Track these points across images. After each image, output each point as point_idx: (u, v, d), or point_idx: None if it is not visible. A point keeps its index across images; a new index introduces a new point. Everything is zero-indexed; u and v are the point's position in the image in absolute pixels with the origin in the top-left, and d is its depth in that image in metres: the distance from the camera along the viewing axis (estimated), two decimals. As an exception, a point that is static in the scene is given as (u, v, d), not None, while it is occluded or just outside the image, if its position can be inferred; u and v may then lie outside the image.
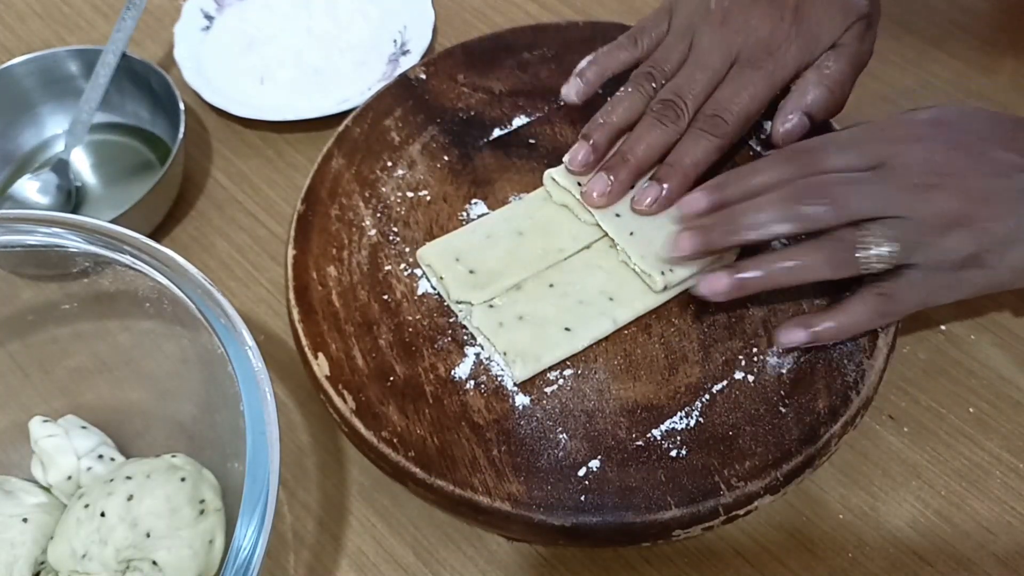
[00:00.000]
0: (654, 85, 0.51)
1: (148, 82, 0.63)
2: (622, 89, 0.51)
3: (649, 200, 0.48)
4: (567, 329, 0.46)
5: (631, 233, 0.49)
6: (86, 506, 0.45)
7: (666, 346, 0.47)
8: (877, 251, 0.42)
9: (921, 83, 0.65)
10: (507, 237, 0.50)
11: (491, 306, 0.47)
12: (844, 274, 0.43)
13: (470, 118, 0.56)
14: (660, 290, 0.47)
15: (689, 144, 0.49)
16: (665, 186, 0.48)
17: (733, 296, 0.44)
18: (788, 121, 0.50)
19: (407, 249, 0.51)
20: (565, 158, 0.50)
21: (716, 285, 0.44)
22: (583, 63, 0.53)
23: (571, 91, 0.52)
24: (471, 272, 0.48)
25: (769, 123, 0.55)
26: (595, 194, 0.49)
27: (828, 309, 0.45)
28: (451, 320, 0.48)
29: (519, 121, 0.56)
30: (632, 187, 0.50)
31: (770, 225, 0.43)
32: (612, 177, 0.49)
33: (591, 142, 0.49)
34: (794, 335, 0.45)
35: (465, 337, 0.47)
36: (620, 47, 0.53)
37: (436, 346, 0.47)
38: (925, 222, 0.42)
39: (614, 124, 0.50)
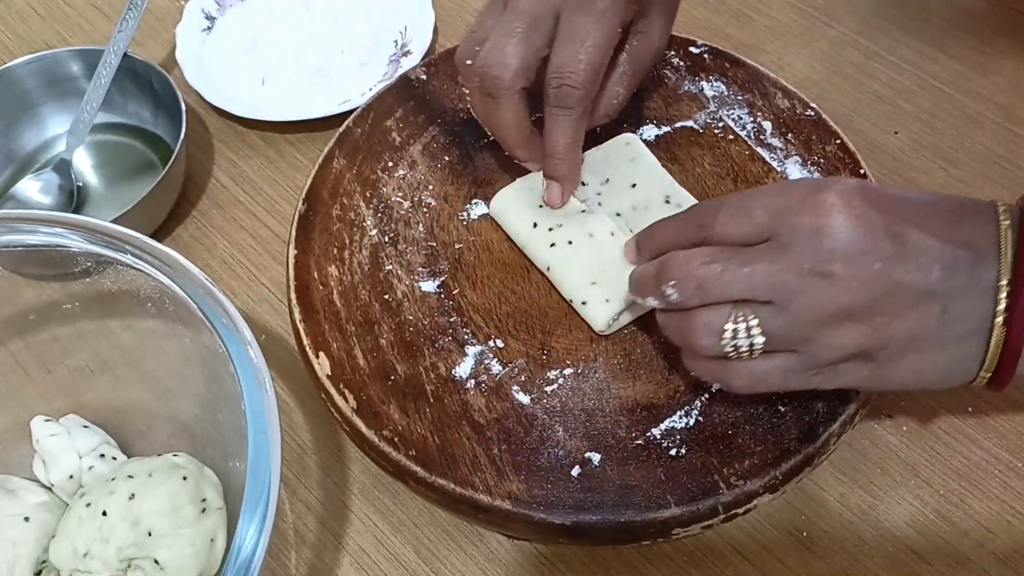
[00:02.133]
0: (470, 63, 0.47)
1: (150, 82, 0.63)
2: (461, 84, 0.51)
3: (556, 197, 0.49)
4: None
5: (631, 231, 0.49)
6: (88, 505, 0.45)
7: (666, 345, 0.47)
8: (744, 340, 0.38)
9: (920, 84, 0.66)
10: None
11: None
12: (706, 353, 0.40)
13: (471, 118, 0.56)
14: None
15: (554, 128, 0.48)
16: (558, 180, 0.49)
17: None
18: (616, 97, 0.51)
19: (408, 249, 0.51)
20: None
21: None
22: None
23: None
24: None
25: (769, 124, 0.55)
26: (556, 202, 0.50)
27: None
28: (451, 320, 0.48)
29: (519, 121, 0.56)
30: (537, 143, 0.50)
31: (647, 299, 0.42)
32: (528, 163, 0.51)
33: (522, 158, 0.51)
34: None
35: (465, 336, 0.48)
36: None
37: (437, 345, 0.47)
38: (805, 315, 0.37)
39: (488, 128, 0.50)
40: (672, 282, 0.39)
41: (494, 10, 0.47)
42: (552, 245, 0.49)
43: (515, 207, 0.51)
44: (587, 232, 0.49)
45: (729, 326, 0.38)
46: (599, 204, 0.51)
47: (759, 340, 0.38)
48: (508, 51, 0.45)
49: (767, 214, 0.38)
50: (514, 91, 0.46)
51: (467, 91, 0.50)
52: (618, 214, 0.50)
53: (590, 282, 0.47)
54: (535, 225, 0.50)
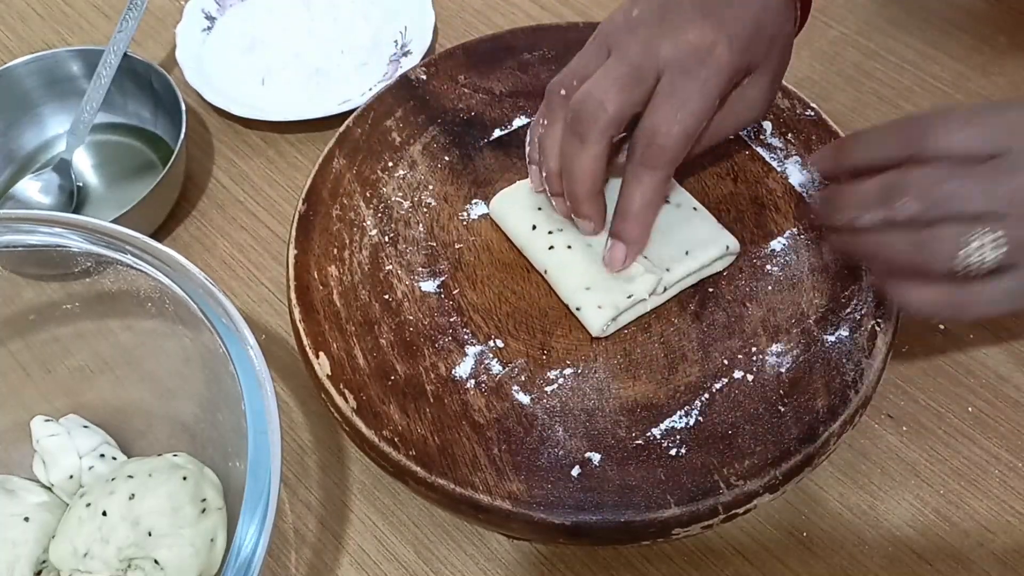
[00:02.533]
0: (564, 94, 0.46)
1: (150, 82, 0.63)
2: (540, 114, 0.48)
3: (619, 259, 0.47)
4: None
5: None
6: (88, 505, 0.45)
7: (665, 345, 0.47)
8: (980, 256, 0.38)
9: (920, 84, 0.66)
10: None
11: None
12: (939, 269, 0.39)
13: (471, 118, 0.57)
14: (661, 292, 0.47)
15: (634, 186, 0.45)
16: (623, 241, 0.47)
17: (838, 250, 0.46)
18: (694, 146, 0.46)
19: (408, 249, 0.51)
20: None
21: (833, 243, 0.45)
22: (528, 147, 0.50)
23: (535, 182, 0.50)
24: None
25: (769, 124, 0.55)
26: (617, 265, 0.47)
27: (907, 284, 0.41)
28: (451, 320, 0.48)
29: (519, 122, 0.56)
30: (604, 205, 0.48)
31: (863, 217, 0.41)
32: (588, 220, 0.48)
33: (543, 183, 0.48)
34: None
35: (465, 336, 0.48)
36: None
37: (437, 345, 0.47)
38: None
39: (550, 167, 0.47)
40: (915, 200, 0.39)
41: (596, 53, 0.46)
42: (551, 248, 0.49)
43: (515, 208, 0.51)
44: (586, 240, 0.49)
45: (975, 237, 0.38)
46: None
47: (1002, 251, 0.38)
48: (610, 94, 0.44)
49: (1001, 130, 0.39)
50: (605, 135, 0.44)
51: (545, 124, 0.47)
52: None
53: (584, 287, 0.47)
54: (534, 227, 0.50)
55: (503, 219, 0.51)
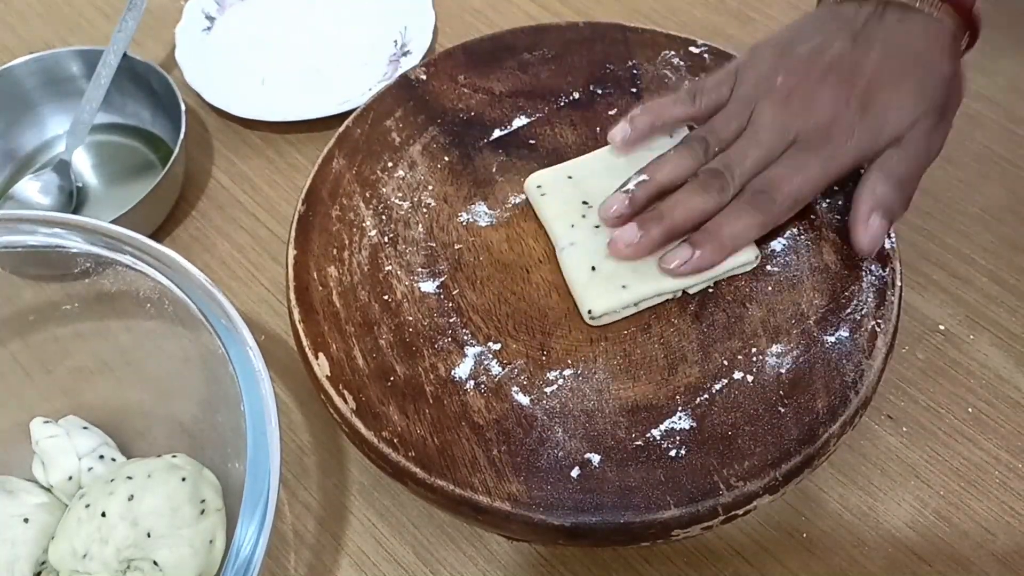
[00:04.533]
0: (706, 151, 0.48)
1: (149, 83, 0.63)
2: (674, 148, 0.49)
3: (678, 263, 0.46)
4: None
5: None
6: (87, 506, 0.45)
7: (665, 346, 0.47)
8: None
9: (920, 84, 0.66)
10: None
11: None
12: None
13: (471, 119, 0.57)
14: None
15: (731, 216, 0.46)
16: (698, 252, 0.46)
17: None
18: (870, 228, 0.46)
19: (408, 249, 0.51)
20: (600, 209, 0.49)
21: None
22: (636, 109, 0.51)
23: (617, 134, 0.51)
24: (584, 203, 0.50)
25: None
26: (622, 244, 0.47)
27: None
28: (451, 320, 0.48)
29: (519, 122, 0.56)
30: (660, 247, 0.47)
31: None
32: (643, 232, 0.46)
33: (630, 195, 0.47)
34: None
35: (465, 337, 0.48)
36: (677, 101, 0.51)
37: (436, 346, 0.47)
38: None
39: (657, 181, 0.48)
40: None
41: (737, 116, 0.49)
42: (572, 226, 0.49)
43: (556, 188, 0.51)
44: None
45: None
46: None
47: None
48: (747, 165, 0.48)
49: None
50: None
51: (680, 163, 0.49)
52: None
53: (590, 267, 0.47)
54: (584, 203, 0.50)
55: (537, 197, 0.51)
